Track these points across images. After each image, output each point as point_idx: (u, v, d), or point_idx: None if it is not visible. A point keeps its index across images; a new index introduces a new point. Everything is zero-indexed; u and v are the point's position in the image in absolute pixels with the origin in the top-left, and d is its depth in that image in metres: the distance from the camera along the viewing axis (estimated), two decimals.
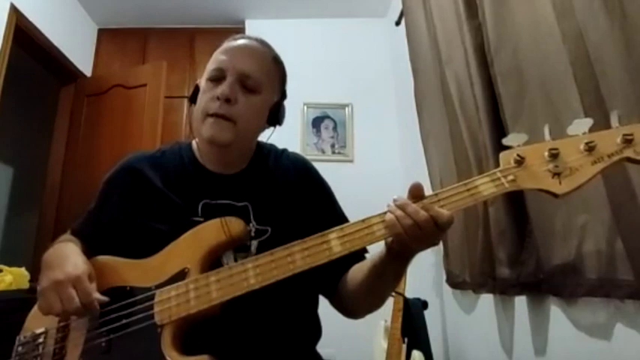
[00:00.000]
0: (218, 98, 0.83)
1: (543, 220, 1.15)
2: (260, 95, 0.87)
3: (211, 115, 0.84)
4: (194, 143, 0.96)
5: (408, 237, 0.67)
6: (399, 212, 0.68)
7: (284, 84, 0.96)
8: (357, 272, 0.85)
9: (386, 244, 0.73)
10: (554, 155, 0.66)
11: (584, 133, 0.67)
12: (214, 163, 0.91)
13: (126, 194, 0.89)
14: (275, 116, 0.92)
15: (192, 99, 0.91)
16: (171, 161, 0.93)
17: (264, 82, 0.88)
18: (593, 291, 0.98)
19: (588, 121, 0.68)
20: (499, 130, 1.33)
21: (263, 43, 0.93)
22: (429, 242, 0.70)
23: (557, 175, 0.66)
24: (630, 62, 0.86)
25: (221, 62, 0.87)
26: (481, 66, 1.43)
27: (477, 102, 1.45)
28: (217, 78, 0.86)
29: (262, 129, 0.94)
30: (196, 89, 0.91)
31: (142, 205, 0.86)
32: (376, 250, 0.78)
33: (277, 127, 0.95)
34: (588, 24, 0.94)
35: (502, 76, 1.29)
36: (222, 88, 0.83)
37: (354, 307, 0.89)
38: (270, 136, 0.96)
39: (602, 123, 0.87)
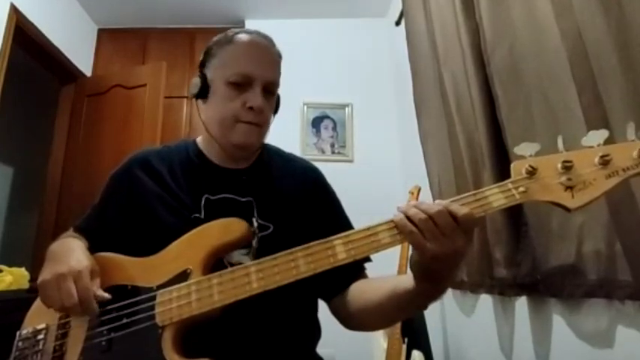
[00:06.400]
0: (251, 108, 0.85)
1: (540, 220, 1.15)
2: (275, 95, 0.93)
3: (244, 122, 0.86)
4: (199, 139, 0.97)
5: (425, 237, 0.61)
6: (412, 210, 0.62)
7: None
8: (371, 293, 0.79)
9: (411, 269, 0.67)
10: (567, 167, 0.64)
11: (598, 145, 0.65)
12: (226, 159, 0.92)
13: (135, 185, 0.89)
14: (277, 106, 0.96)
15: (202, 94, 0.89)
16: (177, 155, 0.94)
17: (279, 83, 0.93)
18: (593, 292, 0.98)
19: (603, 133, 0.65)
20: (495, 130, 1.33)
21: (270, 40, 0.93)
22: (451, 246, 0.60)
23: (569, 188, 0.64)
24: (627, 60, 0.86)
25: (247, 70, 0.86)
26: (478, 66, 1.43)
27: (473, 102, 1.45)
28: (242, 83, 0.86)
29: None
30: (205, 85, 0.89)
31: (150, 198, 0.87)
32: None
33: (275, 127, 0.97)
34: (586, 22, 0.94)
35: (498, 74, 1.29)
36: (258, 101, 0.85)
37: (357, 324, 0.85)
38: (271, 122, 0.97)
39: (599, 122, 0.88)
